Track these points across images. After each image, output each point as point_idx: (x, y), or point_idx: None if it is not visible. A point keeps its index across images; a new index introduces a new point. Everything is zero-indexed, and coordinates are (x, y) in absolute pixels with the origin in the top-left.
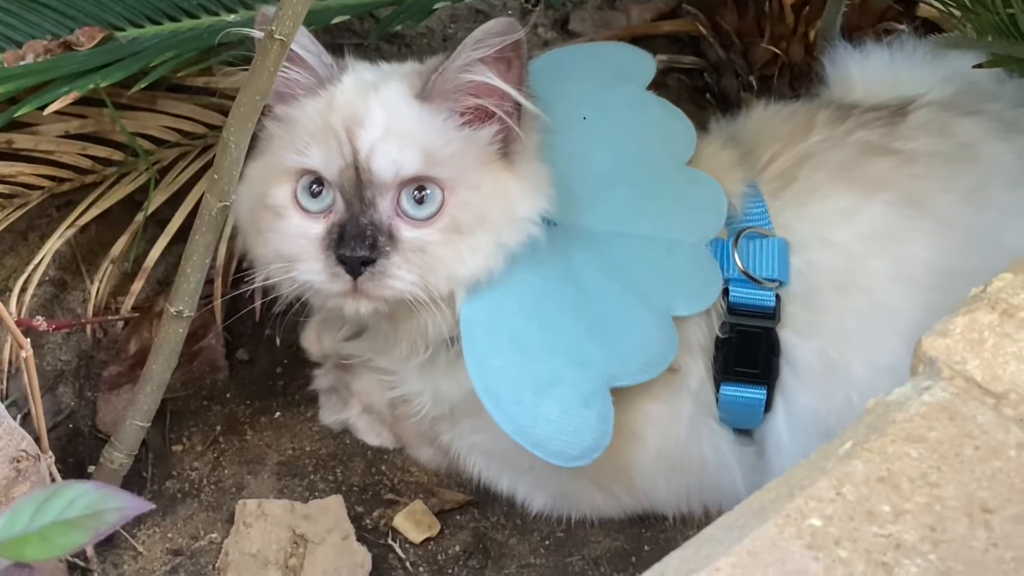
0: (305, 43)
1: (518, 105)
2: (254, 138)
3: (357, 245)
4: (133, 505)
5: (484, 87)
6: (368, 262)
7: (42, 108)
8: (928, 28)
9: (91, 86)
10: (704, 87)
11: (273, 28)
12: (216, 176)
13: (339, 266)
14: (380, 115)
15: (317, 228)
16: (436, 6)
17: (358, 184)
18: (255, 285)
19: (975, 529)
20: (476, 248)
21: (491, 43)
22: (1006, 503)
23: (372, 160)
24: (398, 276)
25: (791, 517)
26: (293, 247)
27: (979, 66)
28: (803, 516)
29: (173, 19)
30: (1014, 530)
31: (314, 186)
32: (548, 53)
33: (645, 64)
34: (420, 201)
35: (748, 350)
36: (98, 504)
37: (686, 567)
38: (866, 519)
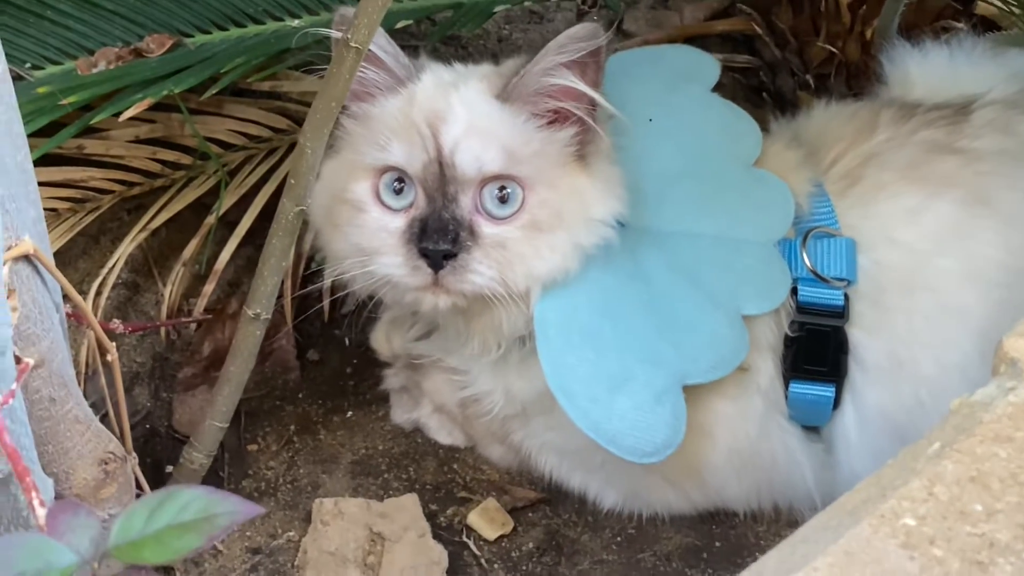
0: (382, 44)
1: (593, 108)
2: (330, 137)
3: (440, 238)
4: (243, 509)
5: (564, 90)
6: (450, 256)
7: (117, 115)
8: (986, 26)
9: (165, 92)
10: (759, 86)
11: (349, 36)
12: (292, 181)
13: (421, 259)
14: (463, 112)
15: (398, 222)
16: (496, 9)
17: (441, 179)
18: (326, 281)
19: None
20: (555, 247)
21: (575, 48)
22: None
23: (456, 155)
24: (478, 271)
25: (885, 517)
26: (374, 241)
27: None
28: (896, 516)
29: (239, 25)
30: None
31: (396, 183)
32: (610, 57)
33: (709, 66)
34: (503, 199)
35: (817, 348)
36: (210, 508)
37: (784, 567)
38: (959, 519)
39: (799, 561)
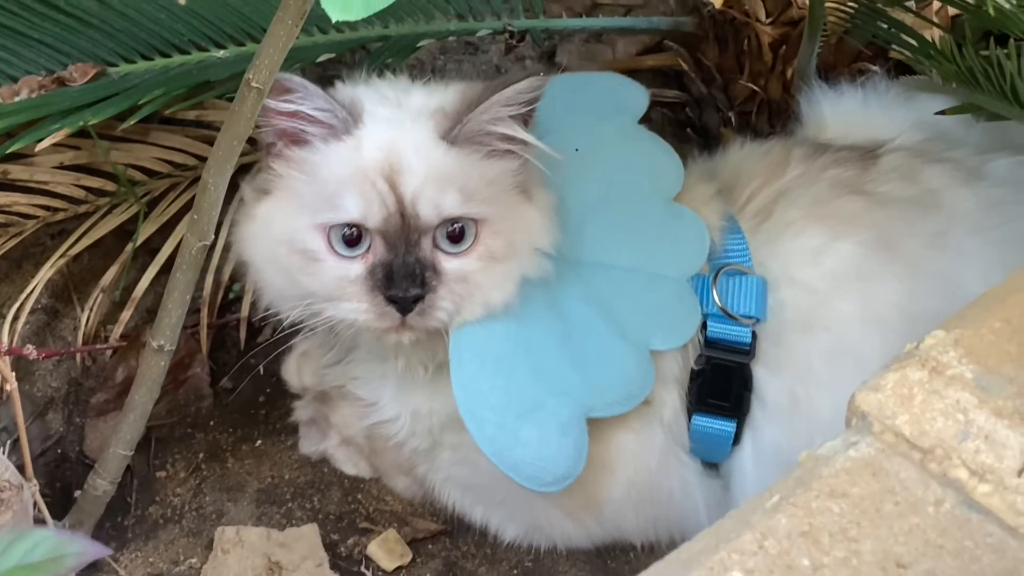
0: (319, 104)
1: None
2: (243, 176)
3: (410, 285)
4: (91, 550)
5: (508, 136)
6: (418, 299)
7: (36, 143)
8: (901, 70)
9: (81, 123)
10: (686, 121)
11: (250, 76)
12: (196, 216)
13: (389, 306)
14: (417, 162)
15: (357, 269)
16: (420, 44)
17: (403, 228)
18: (244, 310)
19: None
20: (509, 275)
21: (520, 100)
22: (920, 558)
23: (418, 206)
24: (443, 308)
25: (714, 569)
26: (334, 289)
27: (942, 112)
28: (725, 568)
29: (164, 55)
30: None
31: (349, 230)
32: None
33: (638, 96)
34: (457, 236)
35: (721, 383)
36: (58, 549)
37: None
38: (785, 572)
39: None
